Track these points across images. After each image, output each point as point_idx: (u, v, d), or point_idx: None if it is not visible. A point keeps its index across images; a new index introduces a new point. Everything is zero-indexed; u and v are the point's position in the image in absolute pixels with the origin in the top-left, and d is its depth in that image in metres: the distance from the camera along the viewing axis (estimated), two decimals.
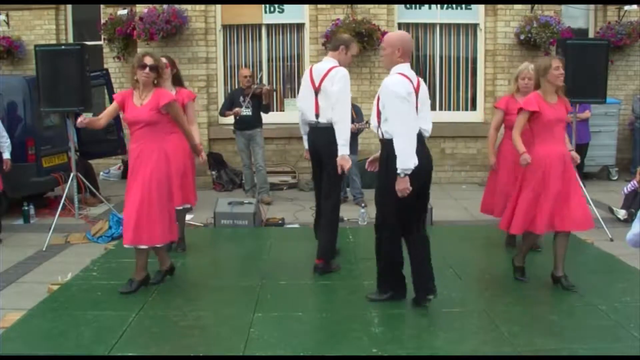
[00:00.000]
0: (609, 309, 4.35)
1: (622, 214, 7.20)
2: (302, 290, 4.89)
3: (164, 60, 5.66)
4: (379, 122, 4.28)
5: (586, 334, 3.98)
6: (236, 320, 4.23)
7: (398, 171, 4.05)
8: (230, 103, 8.27)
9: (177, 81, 5.82)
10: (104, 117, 4.79)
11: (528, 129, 4.91)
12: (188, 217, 6.29)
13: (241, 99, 8.11)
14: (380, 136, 4.31)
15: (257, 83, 8.27)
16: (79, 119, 4.71)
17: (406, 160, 4.03)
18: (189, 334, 4.02)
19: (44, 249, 6.26)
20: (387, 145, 4.20)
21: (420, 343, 3.88)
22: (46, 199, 8.35)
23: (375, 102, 4.34)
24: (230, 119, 8.59)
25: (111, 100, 7.27)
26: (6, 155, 6.65)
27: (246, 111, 8.11)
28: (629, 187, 7.22)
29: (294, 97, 9.72)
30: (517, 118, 4.85)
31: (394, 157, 4.07)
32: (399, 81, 4.14)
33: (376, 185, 4.47)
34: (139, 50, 4.79)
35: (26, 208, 7.40)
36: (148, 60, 4.59)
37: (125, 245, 4.66)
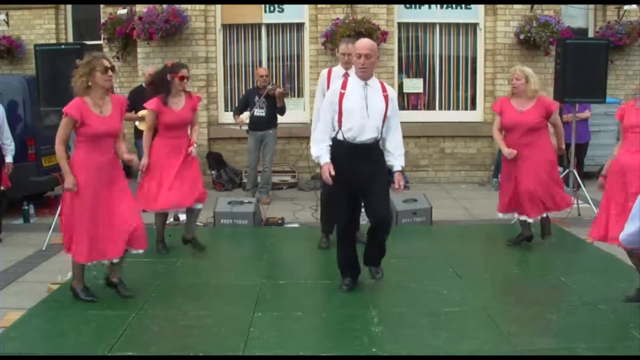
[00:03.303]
0: (609, 309, 4.34)
1: None
2: (302, 290, 4.89)
3: (185, 71, 5.51)
4: (383, 125, 4.53)
5: (586, 333, 3.98)
6: (236, 320, 4.23)
7: (400, 168, 4.60)
8: (245, 103, 8.22)
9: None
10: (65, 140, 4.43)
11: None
12: (181, 217, 6.28)
13: (256, 98, 8.06)
14: (378, 137, 4.55)
15: (272, 84, 8.23)
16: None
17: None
18: (188, 333, 4.02)
19: (43, 249, 6.25)
20: (378, 145, 4.59)
21: (420, 343, 3.88)
22: (46, 198, 8.35)
23: (382, 106, 4.48)
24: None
25: None
26: (9, 159, 6.67)
27: (260, 112, 8.04)
28: None
29: (294, 96, 9.72)
30: None
31: (383, 155, 4.60)
32: None
33: (377, 182, 4.51)
34: (97, 53, 4.51)
35: (26, 207, 7.40)
36: (107, 63, 4.31)
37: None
